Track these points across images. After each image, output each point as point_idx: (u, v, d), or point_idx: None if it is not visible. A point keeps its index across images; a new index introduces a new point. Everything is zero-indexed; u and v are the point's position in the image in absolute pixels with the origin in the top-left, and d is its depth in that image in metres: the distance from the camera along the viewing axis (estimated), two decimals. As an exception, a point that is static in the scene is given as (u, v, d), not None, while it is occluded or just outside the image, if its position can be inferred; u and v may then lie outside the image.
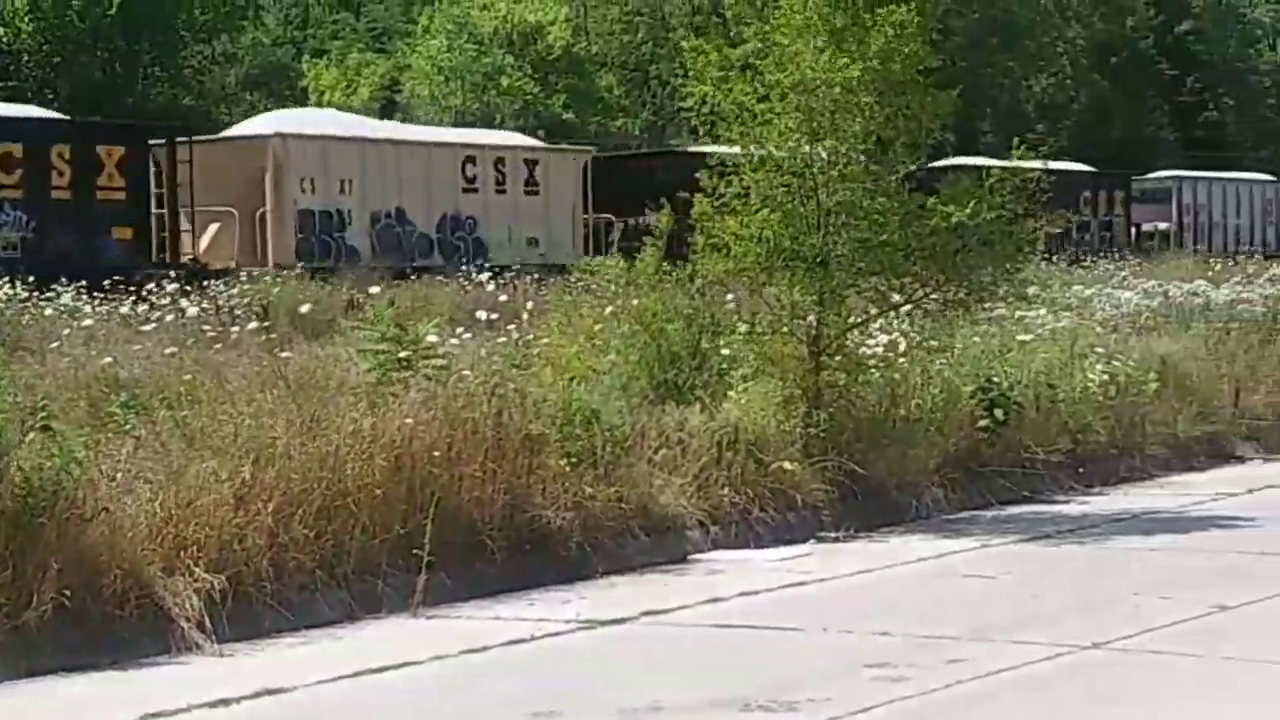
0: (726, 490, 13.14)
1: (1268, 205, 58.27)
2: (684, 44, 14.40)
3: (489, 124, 53.02)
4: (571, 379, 13.22)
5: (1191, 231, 54.36)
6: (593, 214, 39.14)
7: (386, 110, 59.97)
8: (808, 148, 13.85)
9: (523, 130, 49.88)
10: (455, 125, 51.93)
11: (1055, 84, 75.27)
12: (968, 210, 13.68)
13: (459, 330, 14.91)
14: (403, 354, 12.58)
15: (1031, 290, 20.23)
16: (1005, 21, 70.07)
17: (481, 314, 15.65)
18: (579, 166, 40.38)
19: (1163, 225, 54.28)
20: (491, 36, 59.46)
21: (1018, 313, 18.29)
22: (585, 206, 39.48)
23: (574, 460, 12.22)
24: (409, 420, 11.13)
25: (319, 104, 59.69)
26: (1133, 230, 52.79)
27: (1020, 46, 71.29)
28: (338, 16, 70.80)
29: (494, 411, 11.87)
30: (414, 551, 10.66)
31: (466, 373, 12.03)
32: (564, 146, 44.66)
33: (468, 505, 11.31)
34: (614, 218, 38.06)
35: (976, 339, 16.56)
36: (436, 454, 11.13)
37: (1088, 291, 21.46)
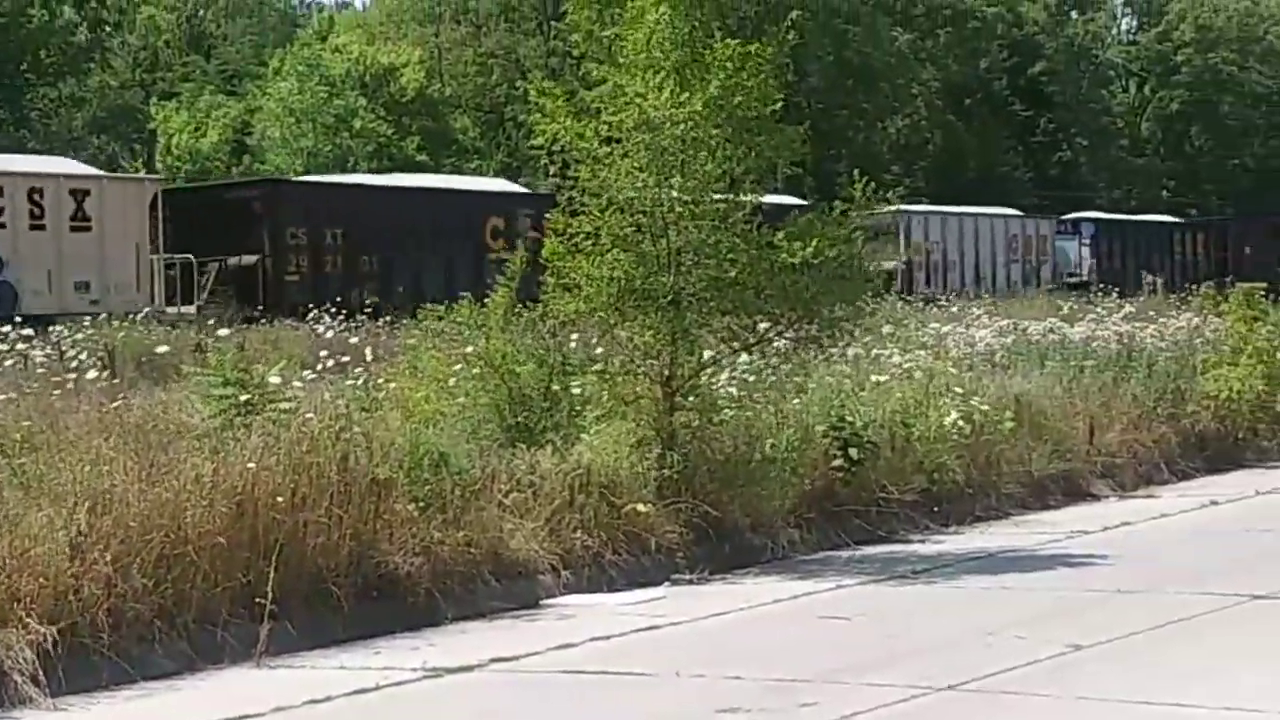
0: (579, 533, 12.93)
1: (1012, 241, 55.21)
2: (530, 88, 14.21)
3: (341, 166, 52.58)
4: (419, 422, 12.94)
5: (924, 271, 48.92)
6: (167, 254, 34.57)
7: (236, 152, 59.31)
8: (656, 187, 13.67)
9: (376, 173, 49.51)
10: (307, 168, 51.46)
11: (910, 126, 75.98)
12: (810, 248, 13.61)
13: (304, 374, 14.61)
14: (244, 397, 12.28)
15: (886, 329, 20.48)
16: (860, 64, 70.59)
17: (324, 354, 15.29)
18: (145, 198, 35.09)
19: (888, 264, 49.82)
20: (344, 78, 58.93)
21: (873, 351, 18.35)
22: (156, 245, 34.54)
23: (422, 505, 11.96)
24: (251, 465, 10.84)
25: (168, 147, 58.93)
26: None
27: (875, 89, 71.82)
28: (188, 59, 69.98)
29: (339, 455, 11.60)
30: (257, 600, 10.36)
31: (310, 416, 11.71)
32: (125, 175, 41.09)
33: (313, 552, 11.03)
34: (196, 259, 34.73)
35: (830, 379, 16.48)
36: (280, 500, 10.83)
37: (943, 329, 21.48)
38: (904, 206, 52.46)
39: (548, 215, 14.58)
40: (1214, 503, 16.60)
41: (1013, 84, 77.83)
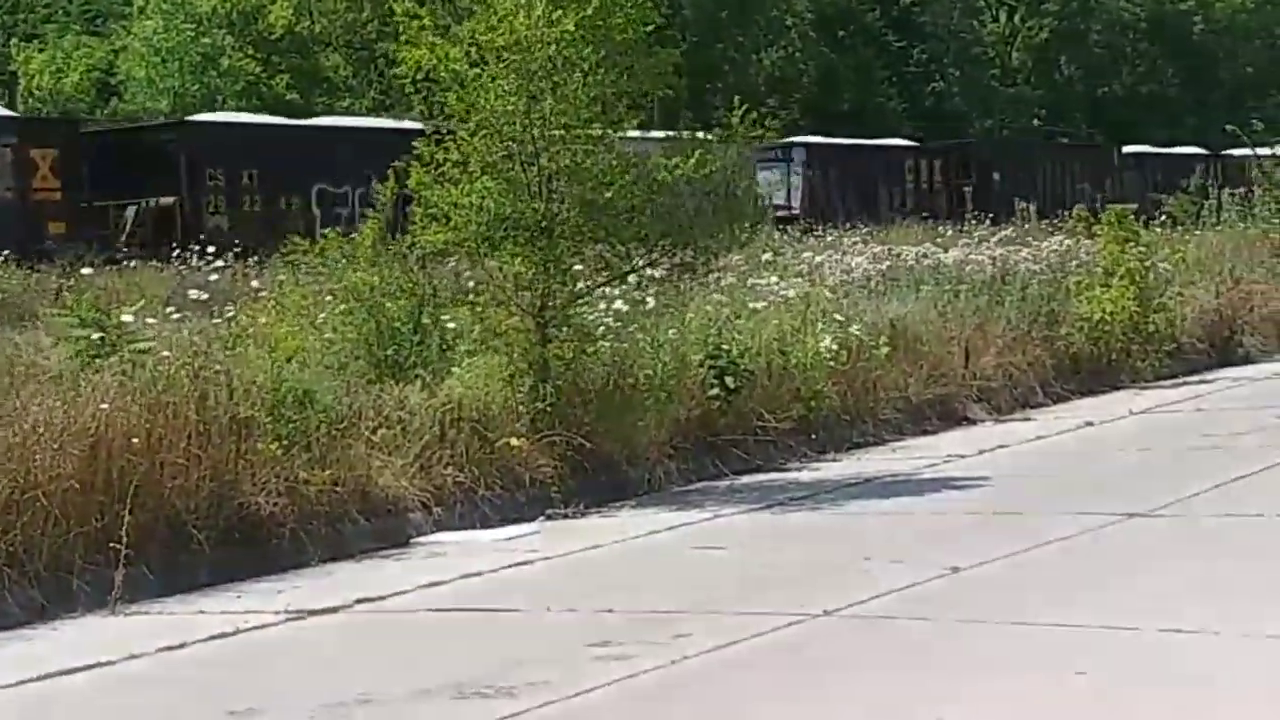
0: (450, 470, 12.64)
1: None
2: (394, 6, 13.79)
3: (210, 105, 51.63)
4: (283, 359, 12.57)
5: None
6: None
7: (101, 93, 58.09)
8: (526, 111, 13.31)
9: (245, 111, 48.65)
10: (174, 107, 50.53)
11: (785, 58, 75.77)
12: (692, 162, 13.31)
13: (169, 313, 14.20)
14: (96, 336, 11.87)
15: (765, 257, 20.27)
16: (734, -3, 70.28)
17: (194, 294, 14.87)
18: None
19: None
20: (210, 16, 57.76)
21: (749, 280, 18.13)
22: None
23: (286, 444, 11.62)
24: (104, 407, 10.45)
25: (29, 89, 57.61)
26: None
27: (750, 21, 71.55)
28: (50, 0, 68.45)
29: (198, 394, 11.24)
30: (111, 545, 10.00)
31: (165, 354, 11.32)
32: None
33: (170, 494, 10.67)
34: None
35: (709, 308, 16.26)
36: (135, 441, 10.46)
37: (818, 258, 21.30)
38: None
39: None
40: (1089, 424, 16.53)
41: (885, 14, 77.77)
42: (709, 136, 13.75)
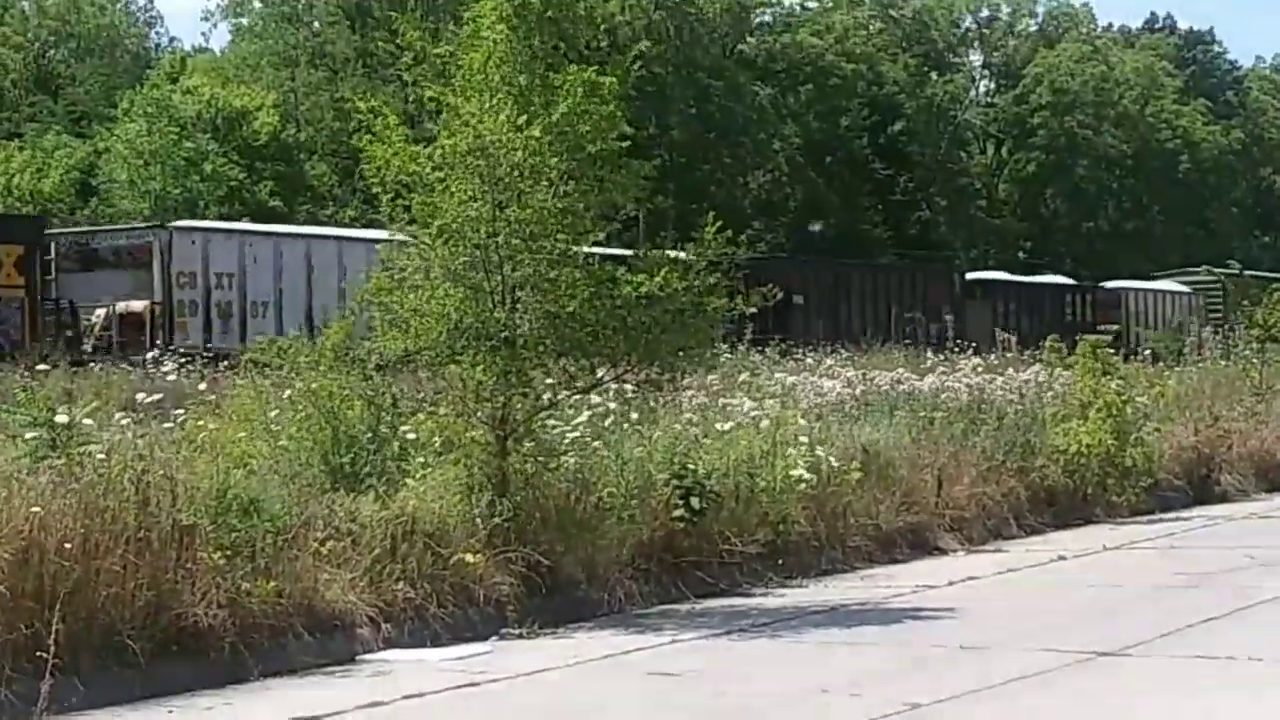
0: (401, 585, 12.24)
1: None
2: (357, 104, 13.55)
3: (191, 210, 51.49)
4: (231, 465, 12.19)
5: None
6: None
7: (82, 194, 57.87)
8: (490, 219, 13.03)
9: (227, 218, 48.49)
10: (154, 210, 50.29)
11: (771, 181, 76.07)
12: (658, 279, 13.02)
13: (118, 416, 13.82)
14: (46, 436, 11.48)
15: (742, 377, 19.97)
16: (722, 119, 70.56)
17: (141, 396, 14.44)
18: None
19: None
20: (194, 121, 57.74)
21: (720, 400, 17.82)
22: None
23: (230, 553, 11.22)
24: (36, 509, 10.05)
25: (7, 188, 57.34)
26: None
27: (737, 144, 71.83)
28: (35, 99, 68.39)
29: (140, 500, 10.85)
30: (39, 654, 9.57)
31: (101, 456, 10.93)
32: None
33: (105, 603, 10.28)
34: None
35: (677, 426, 15.93)
36: (69, 546, 10.06)
37: (791, 379, 20.99)
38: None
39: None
40: (1061, 558, 16.16)
41: (873, 142, 78.23)
42: (672, 253, 13.42)
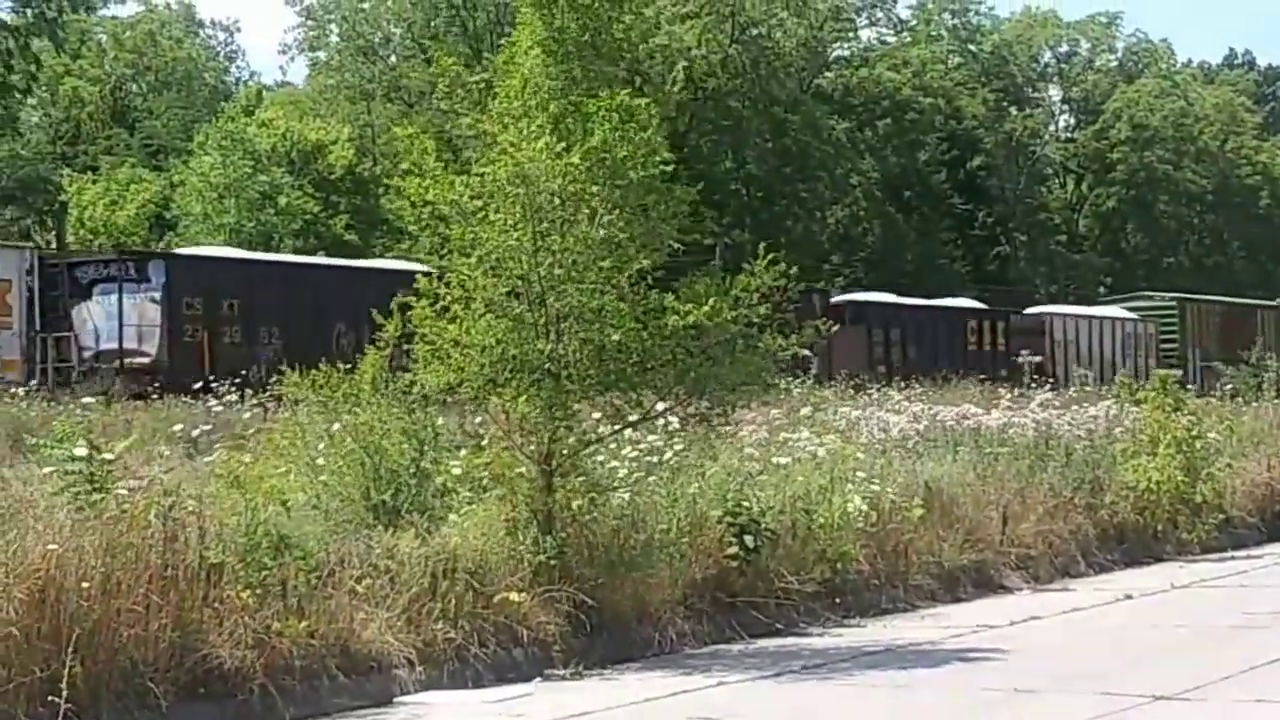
0: (441, 624, 11.90)
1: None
2: (397, 130, 13.25)
3: (266, 243, 51.42)
4: (262, 500, 11.85)
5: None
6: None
7: (156, 228, 57.97)
8: (533, 249, 12.69)
9: (302, 251, 48.35)
10: (229, 244, 50.17)
11: (849, 216, 75.53)
12: (706, 308, 12.63)
13: (161, 450, 13.58)
14: (82, 471, 11.15)
15: (804, 411, 19.55)
16: (799, 153, 70.11)
17: (178, 428, 14.18)
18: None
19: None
20: (269, 154, 57.77)
21: (781, 434, 17.42)
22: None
23: (259, 592, 10.90)
24: (53, 547, 9.75)
25: (80, 220, 57.46)
26: None
27: (814, 178, 71.35)
28: (111, 132, 68.64)
29: (166, 537, 10.55)
30: (51, 698, 9.28)
31: (123, 491, 10.62)
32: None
33: (127, 644, 9.96)
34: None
35: (735, 461, 15.55)
36: (87, 585, 9.76)
37: (855, 414, 20.58)
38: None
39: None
40: (1128, 597, 15.67)
41: (951, 177, 77.53)
42: (720, 283, 13.01)
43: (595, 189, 12.58)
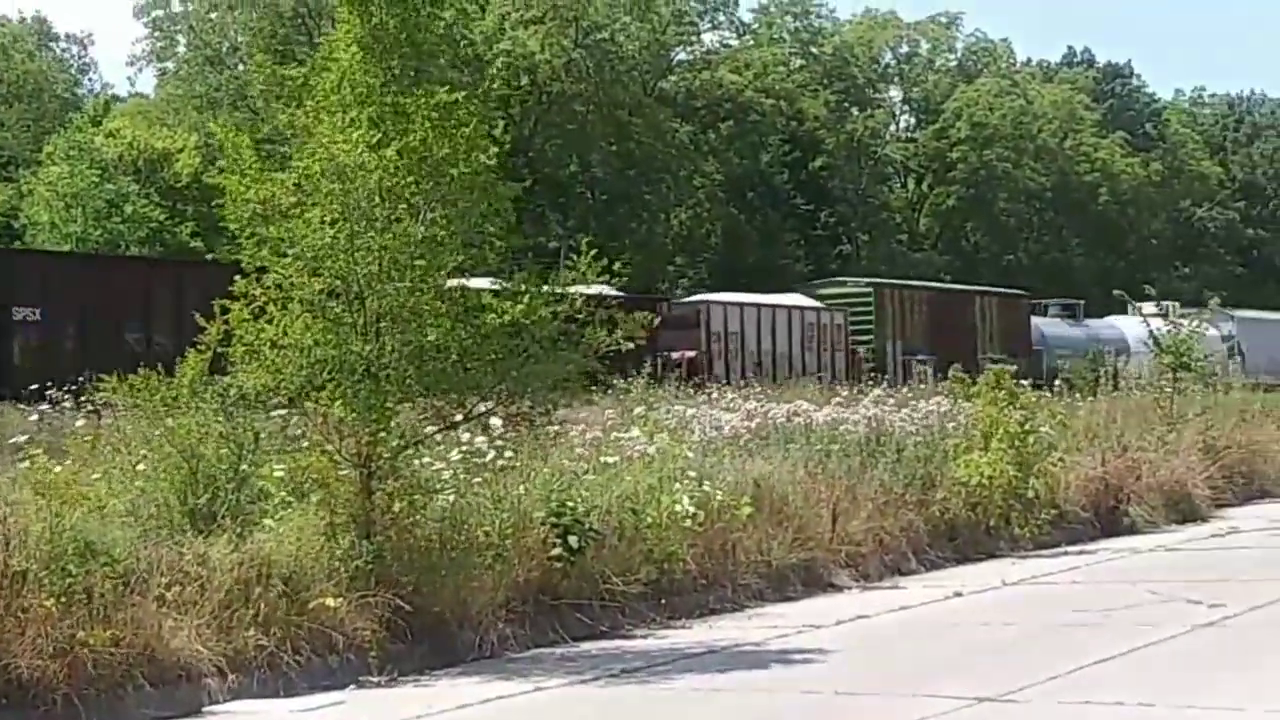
0: (253, 631, 11.62)
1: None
2: (213, 127, 12.92)
3: (113, 251, 50.72)
4: (69, 508, 11.48)
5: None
6: None
7: (3, 237, 57.13)
8: (349, 248, 12.41)
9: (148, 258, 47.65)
10: (76, 251, 49.50)
11: (693, 217, 75.64)
12: (522, 305, 12.42)
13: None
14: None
15: (637, 410, 19.37)
16: (643, 157, 70.14)
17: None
18: None
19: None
20: (116, 163, 57.14)
21: (613, 434, 17.25)
22: None
23: (63, 600, 10.55)
24: None
25: (-70, 233, 56.66)
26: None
27: (658, 180, 71.41)
28: (-39, 144, 67.77)
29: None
30: None
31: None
32: None
33: (-82, 655, 9.59)
34: None
35: (568, 461, 15.35)
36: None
37: (689, 412, 20.44)
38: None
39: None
40: (958, 594, 15.61)
41: (794, 177, 77.86)
42: (534, 281, 12.82)
43: (414, 184, 12.33)
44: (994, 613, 14.58)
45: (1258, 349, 55.51)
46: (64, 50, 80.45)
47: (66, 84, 78.60)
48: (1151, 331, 26.36)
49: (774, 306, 46.77)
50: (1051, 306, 57.93)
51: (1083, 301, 58.93)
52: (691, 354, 40.66)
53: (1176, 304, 55.52)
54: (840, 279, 55.24)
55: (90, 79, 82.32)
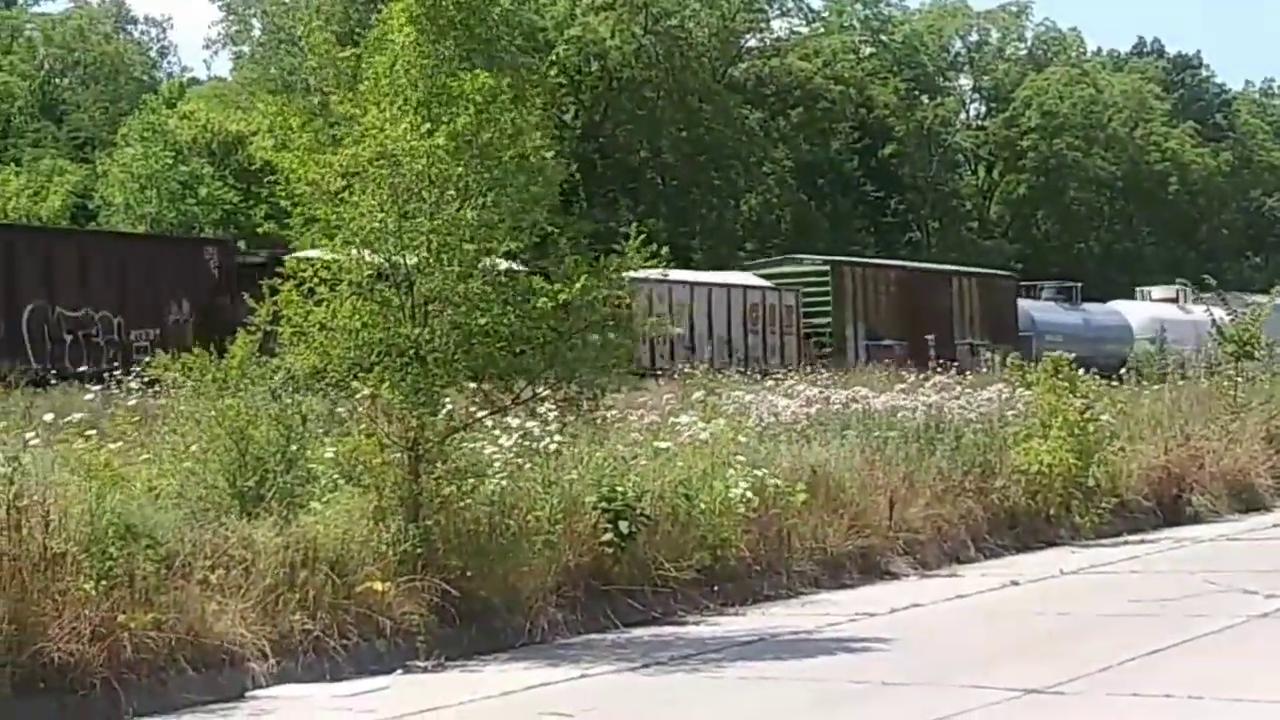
0: (299, 615, 11.53)
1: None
2: (258, 104, 12.87)
3: (187, 232, 51.08)
4: (107, 487, 11.42)
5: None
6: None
7: (77, 218, 57.66)
8: (397, 230, 12.33)
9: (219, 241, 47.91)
10: (150, 232, 49.88)
11: (762, 203, 75.38)
12: (578, 285, 12.29)
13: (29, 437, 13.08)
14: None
15: (696, 395, 19.23)
16: (712, 142, 69.94)
17: (50, 417, 13.69)
18: None
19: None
20: (190, 145, 57.55)
21: (670, 419, 17.13)
22: None
23: (105, 583, 10.49)
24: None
25: (4, 211, 57.06)
26: None
27: (728, 166, 71.20)
28: (39, 125, 68.20)
29: (10, 524, 10.15)
30: None
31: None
32: None
33: (-44, 636, 9.55)
34: None
35: (622, 447, 15.23)
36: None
37: (748, 397, 20.27)
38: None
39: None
40: (1015, 583, 15.40)
41: (863, 164, 77.56)
42: (588, 260, 12.70)
43: (461, 169, 12.23)
44: (1050, 602, 14.37)
45: None
46: (143, 33, 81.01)
47: (144, 66, 79.19)
48: (1214, 320, 25.91)
49: (710, 285, 42.58)
50: (1046, 289, 54.13)
51: (1080, 284, 55.52)
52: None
53: (1190, 287, 53.89)
54: (797, 256, 50.39)
55: (169, 62, 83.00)
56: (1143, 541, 18.75)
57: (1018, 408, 19.85)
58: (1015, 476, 18.42)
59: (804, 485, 15.77)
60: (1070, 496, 18.75)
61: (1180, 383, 27.77)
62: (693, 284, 41.54)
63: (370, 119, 12.27)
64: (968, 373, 27.16)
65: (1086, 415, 18.81)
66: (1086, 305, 53.70)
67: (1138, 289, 59.43)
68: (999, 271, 56.32)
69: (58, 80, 73.26)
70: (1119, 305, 54.62)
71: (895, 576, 16.16)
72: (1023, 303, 50.90)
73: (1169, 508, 20.72)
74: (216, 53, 76.85)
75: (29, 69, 70.74)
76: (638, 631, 13.17)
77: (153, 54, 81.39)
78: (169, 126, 58.16)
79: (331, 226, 12.47)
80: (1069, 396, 18.88)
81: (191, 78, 76.47)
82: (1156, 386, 26.51)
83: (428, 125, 12.10)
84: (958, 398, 20.49)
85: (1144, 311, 53.81)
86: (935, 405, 19.54)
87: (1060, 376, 18.99)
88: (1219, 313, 26.44)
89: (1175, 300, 55.07)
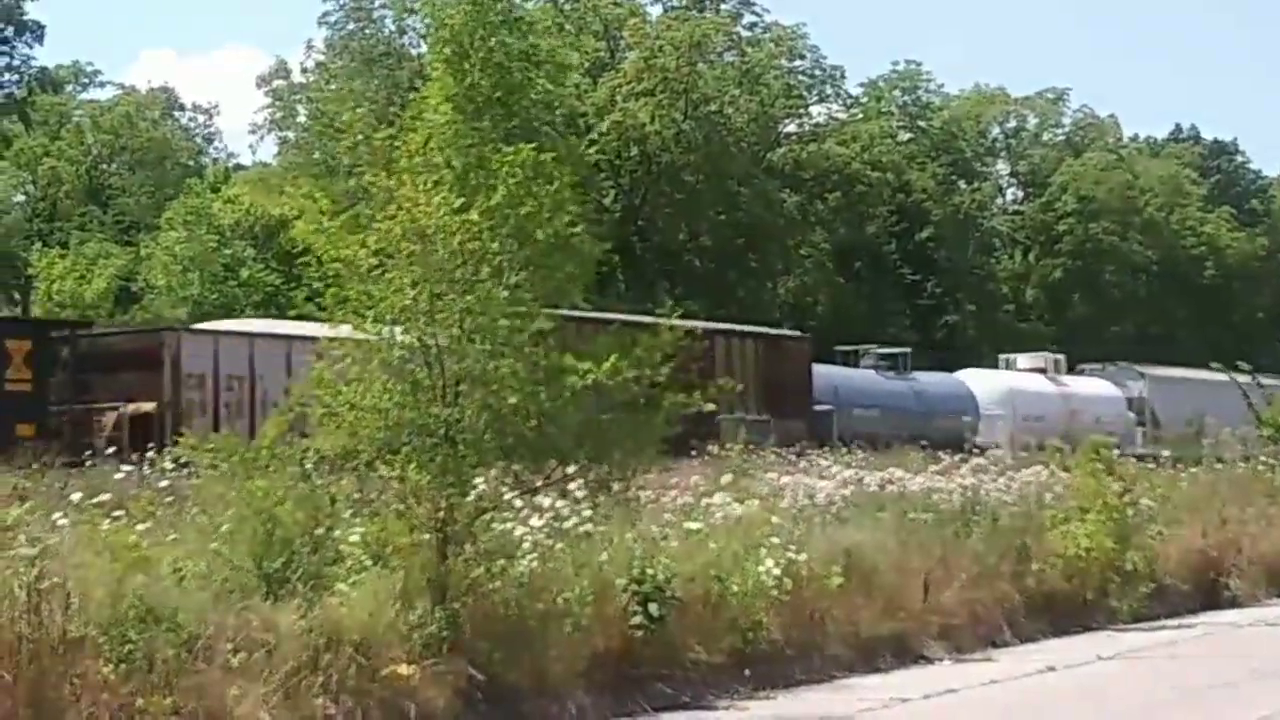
0: (322, 699, 11.37)
1: None
2: (288, 190, 12.85)
3: (229, 314, 51.32)
4: (129, 569, 11.28)
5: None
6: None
7: (122, 300, 58.00)
8: (430, 309, 12.24)
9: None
10: (193, 316, 50.15)
11: (800, 285, 75.40)
12: (607, 366, 12.17)
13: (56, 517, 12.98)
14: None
15: (725, 478, 19.03)
16: (751, 225, 70.05)
17: (78, 496, 13.59)
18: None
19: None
20: (233, 228, 57.99)
21: (703, 500, 16.96)
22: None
23: (123, 667, 10.36)
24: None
25: (48, 294, 57.51)
26: None
27: (765, 249, 71.27)
28: (86, 209, 68.85)
29: (30, 608, 10.03)
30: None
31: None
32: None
33: (-29, 723, 9.43)
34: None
35: (654, 528, 15.06)
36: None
37: (784, 480, 20.07)
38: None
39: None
40: (1051, 669, 15.19)
41: (900, 248, 77.49)
42: (623, 342, 12.58)
43: (496, 246, 12.14)
44: (1086, 690, 14.18)
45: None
46: (190, 119, 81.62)
47: (191, 152, 79.72)
48: (1250, 403, 25.67)
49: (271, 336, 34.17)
50: (868, 355, 49.58)
51: (909, 350, 51.00)
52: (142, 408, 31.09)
53: (1060, 358, 49.95)
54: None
55: (215, 147, 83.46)
56: (1180, 626, 18.53)
57: (1055, 490, 19.64)
58: (1052, 560, 18.22)
59: (839, 569, 15.59)
60: (1108, 580, 18.55)
61: (1218, 465, 27.44)
62: (250, 335, 35.33)
63: (405, 192, 12.18)
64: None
65: (1125, 499, 18.60)
66: (919, 375, 48.96)
67: (1001, 356, 54.23)
68: (788, 332, 49.81)
69: (105, 165, 73.93)
70: (966, 375, 50.03)
71: (929, 661, 15.95)
72: (825, 369, 45.09)
73: (1206, 592, 20.52)
74: (262, 138, 77.55)
75: (77, 154, 71.40)
76: (667, 716, 13.04)
77: (199, 139, 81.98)
78: (213, 210, 58.69)
79: (364, 305, 12.38)
80: (1107, 479, 18.68)
81: (237, 163, 77.03)
82: (1194, 470, 26.21)
83: (462, 199, 12.00)
84: (995, 480, 20.27)
85: (997, 381, 49.22)
86: (971, 487, 19.34)
87: (1099, 459, 18.80)
88: (1256, 396, 26.16)
89: (1043, 370, 51.20)
